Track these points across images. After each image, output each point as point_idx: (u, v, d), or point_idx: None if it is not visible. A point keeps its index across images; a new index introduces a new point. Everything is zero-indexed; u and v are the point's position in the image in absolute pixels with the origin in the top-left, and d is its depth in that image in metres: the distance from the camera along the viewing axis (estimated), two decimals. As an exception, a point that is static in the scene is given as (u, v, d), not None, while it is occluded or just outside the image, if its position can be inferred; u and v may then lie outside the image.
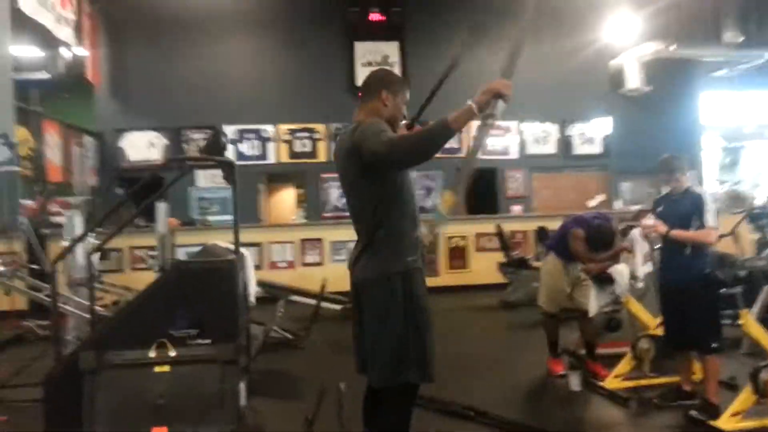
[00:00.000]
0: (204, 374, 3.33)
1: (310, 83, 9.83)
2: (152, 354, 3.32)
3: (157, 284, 3.57)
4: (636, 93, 10.30)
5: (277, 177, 10.40)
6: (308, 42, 9.76)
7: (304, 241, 7.76)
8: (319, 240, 7.79)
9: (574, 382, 4.02)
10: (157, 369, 3.33)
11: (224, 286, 3.43)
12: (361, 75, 9.93)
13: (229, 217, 9.34)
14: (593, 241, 4.18)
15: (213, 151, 6.84)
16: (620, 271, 4.26)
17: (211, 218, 9.18)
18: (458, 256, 8.41)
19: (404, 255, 2.31)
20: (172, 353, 3.32)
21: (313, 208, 9.86)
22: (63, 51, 8.29)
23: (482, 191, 10.12)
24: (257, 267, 7.54)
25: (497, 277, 7.58)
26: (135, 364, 3.30)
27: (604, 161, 10.61)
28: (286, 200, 11.29)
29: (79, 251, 6.11)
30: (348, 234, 7.71)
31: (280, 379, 4.55)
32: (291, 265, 7.71)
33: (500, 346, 5.60)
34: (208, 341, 3.38)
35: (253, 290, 3.85)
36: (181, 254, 7.46)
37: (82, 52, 8.68)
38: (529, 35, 2.39)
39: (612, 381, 3.96)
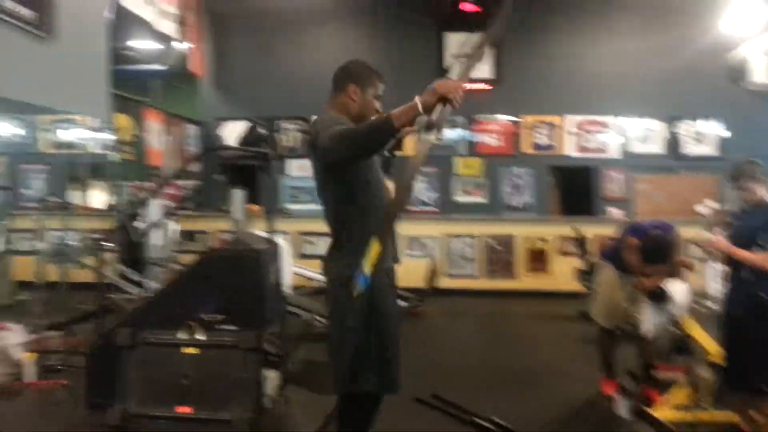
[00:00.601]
0: (228, 359, 3.40)
1: (397, 76, 9.64)
2: (181, 335, 3.45)
3: (190, 270, 3.71)
4: (761, 87, 9.24)
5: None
6: (396, 33, 9.71)
7: (381, 233, 7.75)
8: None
9: (622, 407, 3.68)
10: (184, 350, 3.46)
11: (251, 274, 3.50)
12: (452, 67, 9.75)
13: (312, 207, 9.66)
14: (649, 253, 3.79)
15: (250, 143, 6.99)
16: (678, 287, 3.82)
17: (291, 206, 9.46)
18: (538, 259, 8.02)
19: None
20: (200, 336, 3.42)
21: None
22: (165, 44, 8.85)
23: (576, 191, 9.59)
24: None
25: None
26: (165, 343, 3.45)
27: (719, 163, 9.63)
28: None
29: (158, 233, 6.54)
30: (424, 229, 7.63)
31: (320, 371, 4.56)
32: (366, 257, 7.74)
33: (562, 358, 5.27)
34: (233, 327, 3.46)
35: (289, 280, 3.87)
36: (261, 240, 7.81)
37: (185, 45, 9.21)
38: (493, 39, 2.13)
39: (664, 410, 3.57)
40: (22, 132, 9.40)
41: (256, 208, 8.29)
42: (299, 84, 9.79)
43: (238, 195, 6.48)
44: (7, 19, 4.98)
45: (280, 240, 3.90)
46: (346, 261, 2.22)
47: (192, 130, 9.91)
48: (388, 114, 1.98)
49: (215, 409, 3.31)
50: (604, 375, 4.12)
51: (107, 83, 6.46)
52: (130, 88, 8.72)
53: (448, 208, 9.50)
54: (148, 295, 4.72)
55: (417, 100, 1.95)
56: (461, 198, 9.66)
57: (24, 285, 6.47)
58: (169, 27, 8.74)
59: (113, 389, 3.41)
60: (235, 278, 3.47)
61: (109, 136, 7.28)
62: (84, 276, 5.90)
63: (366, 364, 2.18)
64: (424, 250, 7.67)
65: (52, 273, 6.16)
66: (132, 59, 8.83)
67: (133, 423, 3.35)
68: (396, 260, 2.46)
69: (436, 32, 9.73)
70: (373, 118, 2.33)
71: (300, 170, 9.91)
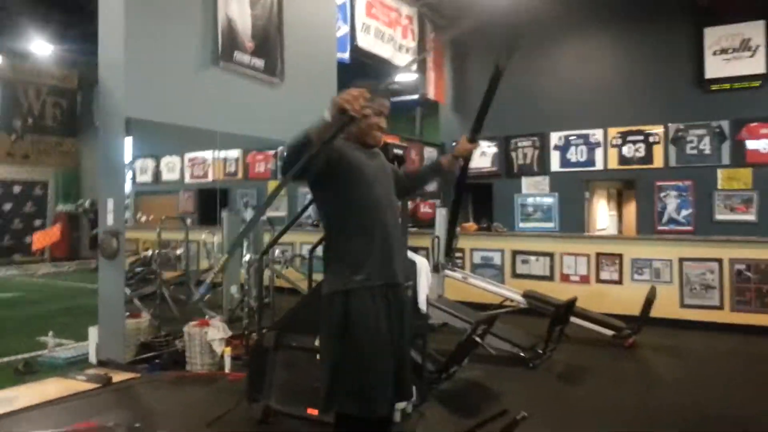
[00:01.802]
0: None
1: (646, 81, 8.81)
2: (317, 342, 3.72)
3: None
4: None
5: (603, 184, 9.65)
6: (646, 35, 8.79)
7: (599, 255, 7.04)
8: (617, 255, 6.95)
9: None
10: (318, 356, 3.72)
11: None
12: (713, 65, 8.40)
13: (545, 225, 9.26)
14: None
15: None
16: None
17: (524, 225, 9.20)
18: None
19: (348, 274, 2.17)
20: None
21: (646, 219, 8.82)
22: (404, 77, 9.56)
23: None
24: (548, 278, 7.28)
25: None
26: (302, 348, 3.77)
27: None
28: (608, 209, 10.39)
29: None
30: (655, 251, 6.89)
31: (472, 392, 4.40)
32: (585, 279, 7.11)
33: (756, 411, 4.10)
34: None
35: (424, 298, 3.86)
36: (477, 258, 7.82)
37: (423, 75, 9.82)
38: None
39: None
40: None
41: (471, 225, 8.35)
42: (533, 101, 9.59)
43: (441, 213, 6.63)
44: (243, 70, 6.07)
45: (417, 258, 3.92)
46: (331, 278, 2.22)
47: (431, 152, 10.45)
48: (307, 129, 1.94)
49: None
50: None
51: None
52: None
53: (704, 227, 8.15)
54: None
55: (326, 113, 1.91)
56: (723, 216, 8.19)
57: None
58: (406, 59, 9.42)
59: (262, 386, 3.85)
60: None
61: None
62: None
63: (341, 384, 2.13)
64: (656, 275, 6.71)
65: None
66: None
67: (273, 419, 3.73)
68: (403, 279, 2.34)
69: (693, 28, 8.51)
70: (375, 133, 2.30)
71: (533, 188, 9.65)
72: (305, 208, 6.17)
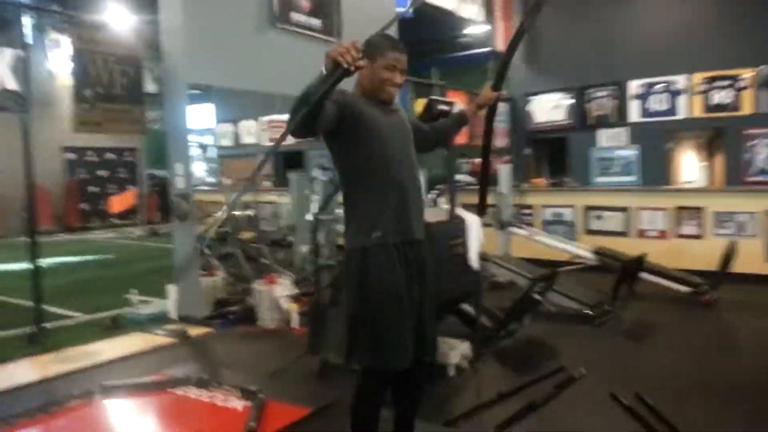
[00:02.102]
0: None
1: (735, 19, 8.10)
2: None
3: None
4: None
5: (687, 134, 9.04)
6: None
7: (680, 209, 6.65)
8: (698, 209, 6.54)
9: None
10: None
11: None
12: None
13: (623, 179, 8.84)
14: None
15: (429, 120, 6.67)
16: None
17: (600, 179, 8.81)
18: None
19: (365, 232, 2.18)
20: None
21: (733, 170, 8.24)
22: (471, 29, 9.27)
23: None
24: (623, 233, 7.00)
25: None
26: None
27: None
28: (694, 160, 9.72)
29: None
30: (740, 204, 6.50)
31: (531, 350, 4.36)
32: (663, 235, 6.76)
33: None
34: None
35: (475, 256, 3.82)
36: (546, 214, 7.62)
37: (491, 26, 9.49)
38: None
39: None
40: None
41: (540, 181, 8.12)
42: (611, 48, 9.08)
43: (504, 170, 6.50)
44: (300, 30, 6.11)
45: (467, 215, 3.87)
46: (350, 236, 2.24)
47: (501, 107, 10.15)
48: (307, 84, 1.92)
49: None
50: None
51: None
52: (442, 74, 9.50)
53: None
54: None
55: (322, 67, 1.89)
56: None
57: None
58: (472, 11, 9.12)
59: (321, 341, 4.00)
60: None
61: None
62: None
63: (357, 339, 2.18)
64: (741, 229, 6.28)
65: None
66: (440, 48, 9.55)
67: (329, 372, 3.87)
68: (421, 235, 2.31)
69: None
70: (388, 88, 2.25)
71: (611, 140, 9.21)
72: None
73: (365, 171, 2.22)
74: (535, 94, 9.97)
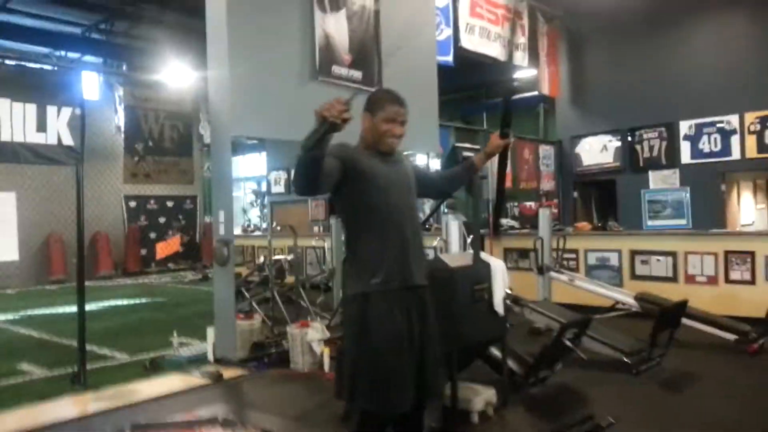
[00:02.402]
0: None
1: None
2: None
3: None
4: None
5: (744, 175, 8.70)
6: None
7: (728, 253, 6.36)
8: (749, 253, 6.23)
9: None
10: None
11: (442, 292, 3.54)
12: None
13: (675, 222, 8.54)
14: None
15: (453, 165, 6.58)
16: None
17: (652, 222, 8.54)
18: None
19: (366, 278, 2.24)
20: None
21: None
22: (516, 74, 9.35)
23: None
24: (672, 279, 6.73)
25: None
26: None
27: None
28: (750, 202, 9.30)
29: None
30: None
31: (561, 397, 4.20)
32: (712, 280, 6.45)
33: None
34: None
35: (500, 301, 3.77)
36: (591, 259, 7.42)
37: (536, 70, 9.54)
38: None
39: None
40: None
41: (585, 225, 7.95)
42: (660, 90, 8.96)
43: (544, 214, 6.43)
44: (341, 83, 6.32)
45: (492, 260, 3.85)
46: (351, 282, 2.32)
47: (547, 150, 10.08)
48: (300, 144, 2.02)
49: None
50: None
51: (436, 121, 7.32)
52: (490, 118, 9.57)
53: None
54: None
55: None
56: None
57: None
58: (518, 56, 9.21)
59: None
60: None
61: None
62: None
63: (358, 382, 2.22)
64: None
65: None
66: (483, 94, 9.65)
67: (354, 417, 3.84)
68: (423, 281, 2.35)
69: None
70: (387, 140, 2.32)
71: (662, 182, 8.97)
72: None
73: (366, 219, 2.30)
74: (583, 136, 9.87)
